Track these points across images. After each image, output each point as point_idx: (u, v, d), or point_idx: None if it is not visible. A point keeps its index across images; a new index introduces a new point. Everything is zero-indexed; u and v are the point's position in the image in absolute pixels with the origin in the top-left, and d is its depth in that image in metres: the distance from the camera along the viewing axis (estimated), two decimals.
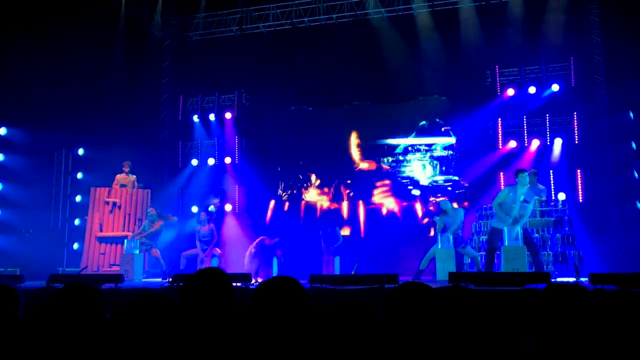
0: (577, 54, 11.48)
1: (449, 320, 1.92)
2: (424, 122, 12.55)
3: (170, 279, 7.27)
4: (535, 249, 7.90)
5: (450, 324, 1.92)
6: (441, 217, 9.08)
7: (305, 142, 13.20)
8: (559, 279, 7.54)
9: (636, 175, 10.77)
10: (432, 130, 12.48)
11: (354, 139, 12.91)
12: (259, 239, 10.97)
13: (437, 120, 12.45)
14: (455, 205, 10.51)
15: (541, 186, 9.63)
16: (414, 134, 12.57)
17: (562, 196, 10.40)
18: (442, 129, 12.41)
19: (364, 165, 12.81)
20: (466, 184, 12.08)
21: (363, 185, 12.74)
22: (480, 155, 11.71)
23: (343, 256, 10.89)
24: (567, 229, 9.32)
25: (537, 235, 9.35)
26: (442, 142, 12.38)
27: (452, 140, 12.29)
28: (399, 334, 1.88)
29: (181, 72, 14.14)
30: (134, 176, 11.66)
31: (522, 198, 7.93)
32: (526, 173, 8.10)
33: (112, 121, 12.31)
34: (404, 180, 12.53)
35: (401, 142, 12.61)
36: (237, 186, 13.34)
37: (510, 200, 7.93)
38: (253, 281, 6.93)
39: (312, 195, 13.09)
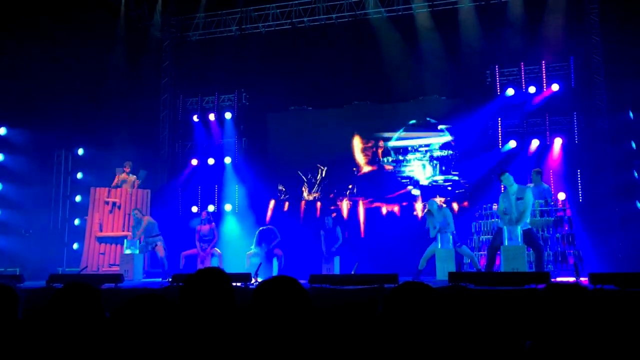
0: (577, 53, 11.48)
1: (449, 320, 1.92)
2: (413, 121, 12.57)
3: (170, 279, 7.27)
4: (540, 250, 7.89)
5: (450, 323, 1.91)
6: (428, 218, 9.08)
7: (305, 142, 13.19)
8: (558, 279, 7.54)
9: (636, 175, 10.76)
10: (425, 129, 12.50)
11: (357, 142, 12.90)
12: (261, 228, 11.04)
13: (428, 119, 12.46)
14: (454, 205, 10.52)
15: (545, 185, 9.64)
16: (402, 129, 12.56)
17: (562, 196, 10.40)
18: (438, 127, 12.41)
19: (367, 169, 12.80)
20: (466, 184, 12.07)
21: (364, 185, 12.75)
22: (480, 155, 11.70)
23: (343, 256, 10.89)
24: (567, 228, 9.31)
25: (538, 235, 9.34)
26: (437, 142, 12.38)
27: (447, 138, 12.28)
28: (399, 334, 1.88)
29: (181, 72, 14.13)
30: (135, 176, 11.66)
31: (513, 198, 7.96)
32: (507, 174, 8.18)
33: (112, 121, 12.32)
34: (404, 180, 12.54)
35: (393, 135, 12.62)
36: (237, 186, 13.34)
37: (508, 205, 8.00)
38: (253, 281, 6.93)
39: (312, 194, 13.09)
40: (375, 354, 1.89)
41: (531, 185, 9.65)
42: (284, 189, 13.29)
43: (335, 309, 2.00)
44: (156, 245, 10.24)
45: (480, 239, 9.70)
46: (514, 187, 8.03)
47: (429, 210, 9.07)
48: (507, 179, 8.11)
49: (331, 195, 12.95)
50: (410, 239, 10.83)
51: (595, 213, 10.71)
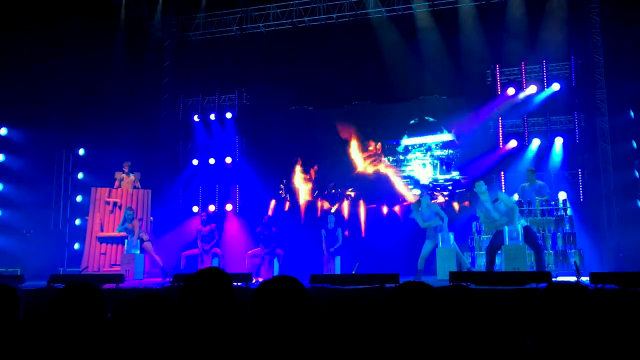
0: (578, 53, 11.48)
1: (449, 319, 1.92)
2: (413, 121, 12.58)
3: (171, 279, 7.28)
4: (539, 249, 7.89)
5: (451, 323, 1.91)
6: (414, 211, 9.05)
7: (305, 142, 13.19)
8: (559, 278, 7.54)
9: (637, 174, 10.76)
10: (425, 129, 12.51)
11: (357, 142, 12.90)
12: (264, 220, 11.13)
13: (426, 118, 12.45)
14: (455, 205, 10.46)
15: (540, 182, 9.63)
16: (405, 136, 12.58)
17: (562, 195, 10.40)
18: (438, 128, 12.42)
19: (368, 168, 12.80)
20: (467, 183, 12.06)
21: (365, 184, 12.74)
22: (481, 155, 11.70)
23: (344, 256, 10.88)
24: (567, 227, 9.31)
25: (537, 234, 9.33)
26: (437, 140, 12.40)
27: (447, 137, 12.29)
28: (399, 333, 1.88)
29: (181, 72, 14.14)
30: (134, 176, 11.65)
31: (488, 204, 7.96)
32: (480, 182, 8.16)
33: (113, 121, 12.32)
34: (405, 180, 12.53)
35: (395, 139, 12.68)
36: (237, 186, 13.34)
37: (487, 214, 8.02)
38: (254, 281, 6.93)
39: (312, 194, 13.09)
40: (376, 353, 1.89)
41: (526, 184, 9.64)
42: (284, 189, 13.28)
43: (336, 309, 2.00)
44: (142, 241, 10.13)
45: (482, 238, 9.70)
46: (485, 195, 8.02)
47: (418, 201, 9.04)
48: (479, 187, 8.09)
49: (332, 195, 12.94)
50: (412, 239, 10.81)
51: (596, 212, 10.72)
